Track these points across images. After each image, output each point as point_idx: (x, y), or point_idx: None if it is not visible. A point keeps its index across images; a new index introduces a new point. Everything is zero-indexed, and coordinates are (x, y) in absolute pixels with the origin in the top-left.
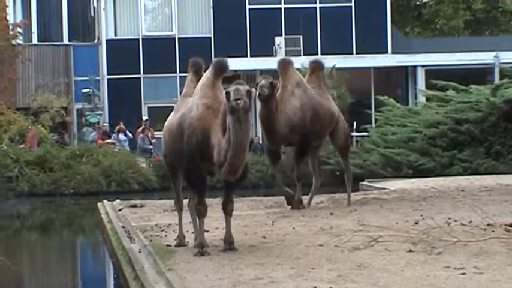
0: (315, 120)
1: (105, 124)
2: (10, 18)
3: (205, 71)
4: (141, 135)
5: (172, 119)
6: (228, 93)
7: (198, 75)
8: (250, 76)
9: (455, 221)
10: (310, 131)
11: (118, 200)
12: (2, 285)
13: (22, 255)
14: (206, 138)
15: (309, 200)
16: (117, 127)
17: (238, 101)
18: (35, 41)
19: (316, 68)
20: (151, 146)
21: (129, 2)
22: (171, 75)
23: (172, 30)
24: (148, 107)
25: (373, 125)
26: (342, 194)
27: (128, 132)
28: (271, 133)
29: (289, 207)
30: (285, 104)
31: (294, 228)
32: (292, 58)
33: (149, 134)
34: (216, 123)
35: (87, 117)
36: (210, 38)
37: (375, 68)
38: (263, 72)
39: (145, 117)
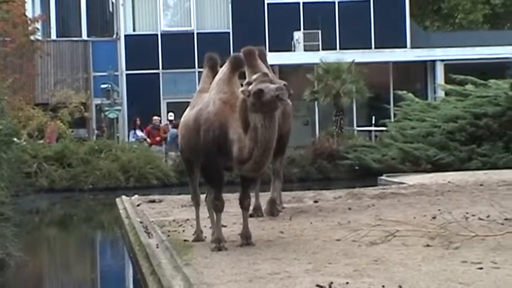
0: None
1: (155, 118)
2: (28, 13)
3: (221, 66)
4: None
5: (188, 114)
6: (261, 91)
7: (213, 71)
8: None
9: (473, 215)
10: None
11: (136, 195)
12: (21, 281)
13: (41, 251)
14: (223, 133)
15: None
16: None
17: (287, 101)
18: (53, 36)
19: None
20: None
21: None
22: (189, 70)
23: (190, 26)
24: (167, 102)
25: (392, 119)
26: (361, 189)
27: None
28: None
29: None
30: None
31: (311, 223)
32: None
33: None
34: (233, 118)
35: (106, 113)
36: (228, 33)
37: (393, 62)
38: (282, 67)
39: (170, 115)
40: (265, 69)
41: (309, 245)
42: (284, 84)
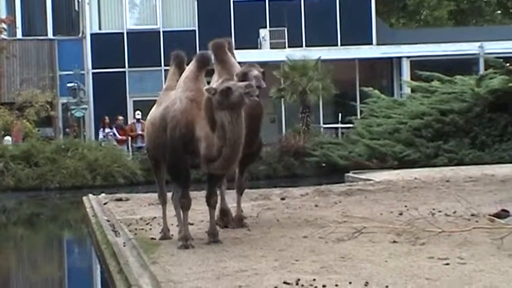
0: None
1: (120, 118)
2: None
3: (188, 64)
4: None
5: (155, 112)
6: (229, 89)
7: (180, 69)
8: None
9: (440, 211)
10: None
11: (103, 194)
12: None
13: (7, 250)
14: (190, 131)
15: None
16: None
17: (255, 98)
18: (19, 35)
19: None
20: None
21: None
22: (155, 68)
23: (156, 24)
24: (134, 101)
25: (358, 116)
26: (328, 186)
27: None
28: None
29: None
30: None
31: (278, 220)
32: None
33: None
34: (200, 116)
35: (73, 112)
36: (194, 31)
37: (359, 59)
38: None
39: (138, 114)
40: (236, 64)
41: (276, 242)
42: (263, 72)
